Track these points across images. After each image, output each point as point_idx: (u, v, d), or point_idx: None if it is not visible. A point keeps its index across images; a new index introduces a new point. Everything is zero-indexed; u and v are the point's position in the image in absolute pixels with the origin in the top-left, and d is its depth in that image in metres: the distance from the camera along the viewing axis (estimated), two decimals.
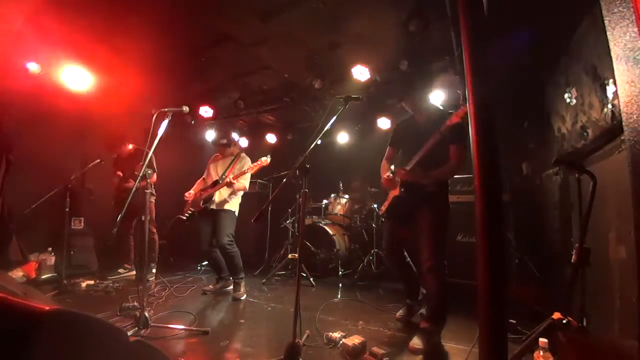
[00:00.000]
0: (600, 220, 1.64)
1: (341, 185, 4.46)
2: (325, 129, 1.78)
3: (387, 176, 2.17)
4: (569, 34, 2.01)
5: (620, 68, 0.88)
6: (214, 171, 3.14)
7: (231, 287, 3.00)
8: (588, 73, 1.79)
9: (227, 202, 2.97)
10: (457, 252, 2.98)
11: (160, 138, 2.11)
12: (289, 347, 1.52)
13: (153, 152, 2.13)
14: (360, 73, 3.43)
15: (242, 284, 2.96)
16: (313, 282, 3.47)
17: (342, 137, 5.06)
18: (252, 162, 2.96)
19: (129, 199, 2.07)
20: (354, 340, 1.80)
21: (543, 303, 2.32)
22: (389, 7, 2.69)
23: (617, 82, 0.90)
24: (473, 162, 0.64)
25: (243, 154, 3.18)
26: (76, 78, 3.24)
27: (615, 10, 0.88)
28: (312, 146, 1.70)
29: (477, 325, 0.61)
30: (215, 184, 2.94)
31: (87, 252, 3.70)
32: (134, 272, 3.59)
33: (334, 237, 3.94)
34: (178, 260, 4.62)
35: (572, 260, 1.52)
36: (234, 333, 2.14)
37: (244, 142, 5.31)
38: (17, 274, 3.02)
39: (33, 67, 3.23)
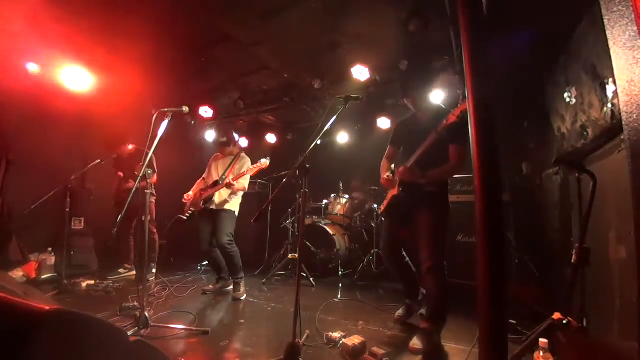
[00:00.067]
0: (600, 220, 1.64)
1: (341, 185, 4.46)
2: (325, 129, 1.78)
3: (387, 176, 2.16)
4: (568, 33, 2.01)
5: (619, 67, 0.88)
6: (215, 171, 3.14)
7: (231, 287, 3.00)
8: (588, 72, 1.79)
9: (228, 202, 2.97)
10: (457, 252, 2.98)
11: (161, 138, 2.11)
12: (289, 347, 1.52)
13: (153, 153, 2.13)
14: (360, 73, 3.43)
15: (242, 284, 2.96)
16: (313, 282, 3.47)
17: (342, 137, 5.06)
18: (252, 162, 2.96)
19: (129, 199, 2.07)
20: (354, 340, 1.80)
21: (543, 303, 2.32)
22: (389, 7, 2.69)
23: (617, 82, 0.90)
24: (473, 162, 0.64)
25: (243, 154, 3.18)
26: (76, 78, 3.24)
27: (615, 9, 0.88)
28: (312, 146, 1.70)
29: (477, 325, 0.61)
30: (216, 184, 2.94)
31: (87, 252, 3.70)
32: (134, 272, 3.59)
33: (334, 237, 3.94)
34: (178, 260, 4.62)
35: (572, 260, 1.52)
36: (234, 333, 2.14)
37: (244, 142, 5.31)
38: (17, 274, 3.02)
39: (33, 67, 3.23)
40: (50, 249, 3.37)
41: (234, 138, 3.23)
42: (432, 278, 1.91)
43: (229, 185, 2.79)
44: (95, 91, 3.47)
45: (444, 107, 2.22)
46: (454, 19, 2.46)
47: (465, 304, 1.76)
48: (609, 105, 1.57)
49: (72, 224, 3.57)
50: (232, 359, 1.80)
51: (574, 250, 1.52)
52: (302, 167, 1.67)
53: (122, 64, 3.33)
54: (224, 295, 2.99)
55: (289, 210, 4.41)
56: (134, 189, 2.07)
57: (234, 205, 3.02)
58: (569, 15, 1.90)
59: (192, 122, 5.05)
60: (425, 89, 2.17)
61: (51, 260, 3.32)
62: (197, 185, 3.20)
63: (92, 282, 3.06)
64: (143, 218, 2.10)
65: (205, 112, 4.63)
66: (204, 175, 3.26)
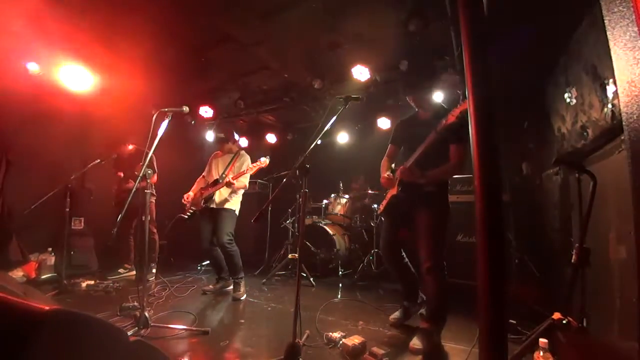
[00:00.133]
0: (600, 220, 1.64)
1: (341, 185, 4.46)
2: (325, 129, 1.78)
3: (387, 175, 2.16)
4: (568, 33, 2.01)
5: (620, 68, 0.88)
6: (215, 169, 3.14)
7: (231, 287, 3.00)
8: (588, 73, 1.79)
9: (228, 200, 2.97)
10: (457, 252, 2.98)
11: (161, 138, 2.11)
12: (289, 347, 1.52)
13: (153, 153, 2.13)
14: (360, 73, 3.43)
15: (242, 283, 2.96)
16: (313, 282, 3.47)
17: (342, 137, 5.06)
18: (252, 161, 2.96)
19: (129, 199, 2.07)
20: (354, 340, 1.80)
21: (543, 303, 2.32)
22: (389, 7, 2.69)
23: (617, 82, 0.90)
24: (473, 162, 0.64)
25: (242, 152, 3.18)
26: (76, 78, 3.24)
27: (615, 9, 0.88)
28: (312, 146, 1.70)
29: (477, 325, 0.61)
30: (216, 183, 2.94)
31: (87, 252, 3.70)
32: (134, 272, 3.59)
33: (334, 237, 3.94)
34: (178, 260, 4.62)
35: (572, 260, 1.52)
36: (234, 333, 2.14)
37: (243, 142, 5.31)
38: (17, 274, 3.02)
39: (33, 67, 3.23)
40: (50, 249, 3.37)
41: (233, 134, 3.22)
42: (432, 278, 1.91)
43: (229, 184, 2.79)
44: (95, 91, 3.47)
45: (445, 106, 2.20)
46: (454, 19, 2.46)
47: (465, 304, 1.76)
48: (609, 105, 1.57)
49: (72, 224, 3.57)
50: (232, 359, 1.80)
51: (574, 250, 1.52)
52: (302, 167, 1.67)
53: (122, 64, 3.33)
54: (224, 295, 2.99)
55: (289, 210, 4.41)
56: (134, 189, 2.08)
57: (235, 204, 3.02)
58: (569, 15, 1.90)
59: (192, 122, 5.05)
60: (427, 86, 2.13)
61: (51, 260, 3.32)
62: (197, 184, 3.20)
63: (92, 282, 3.06)
64: (143, 218, 2.10)
65: (205, 112, 4.63)
66: (204, 173, 3.26)
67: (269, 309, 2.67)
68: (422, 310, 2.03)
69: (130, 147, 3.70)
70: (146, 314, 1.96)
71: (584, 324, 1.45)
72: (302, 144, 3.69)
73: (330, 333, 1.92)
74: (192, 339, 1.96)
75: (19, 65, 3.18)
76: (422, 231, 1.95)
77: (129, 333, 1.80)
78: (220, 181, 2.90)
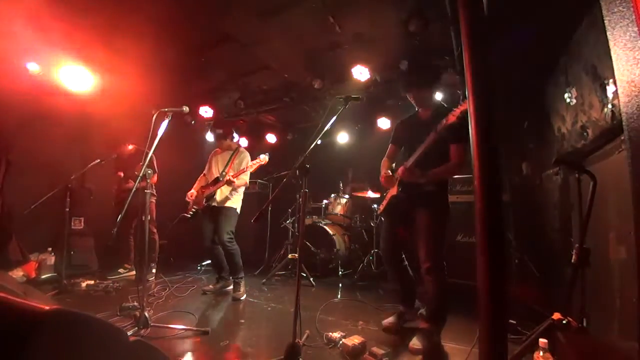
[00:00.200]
0: (600, 220, 1.64)
1: (341, 185, 4.46)
2: (325, 129, 1.78)
3: (386, 173, 2.15)
4: (569, 33, 2.01)
5: (620, 68, 0.88)
6: (215, 167, 3.14)
7: (231, 287, 3.00)
8: (588, 73, 1.79)
9: (229, 199, 2.98)
10: (457, 252, 2.98)
11: (161, 138, 2.11)
12: (289, 347, 1.52)
13: (153, 153, 2.13)
14: (360, 73, 3.43)
15: (242, 283, 2.97)
16: (313, 282, 3.47)
17: (342, 137, 5.06)
18: (252, 159, 2.95)
19: (129, 199, 2.07)
20: (354, 340, 1.80)
21: (543, 303, 2.32)
22: (389, 7, 2.69)
23: (617, 82, 0.90)
24: (473, 162, 0.64)
25: (242, 148, 3.18)
26: (76, 78, 3.24)
27: (615, 10, 0.88)
28: (312, 146, 1.70)
29: (477, 325, 0.61)
30: (217, 181, 2.94)
31: (87, 252, 3.70)
32: (134, 272, 3.59)
33: (334, 237, 3.94)
34: (178, 260, 4.62)
35: (572, 261, 1.52)
36: (234, 333, 2.14)
37: (243, 142, 5.31)
38: (17, 273, 3.02)
39: (33, 67, 3.23)
40: (50, 248, 3.37)
41: (231, 130, 3.21)
42: (432, 278, 1.90)
43: (229, 182, 2.80)
44: (95, 91, 3.47)
45: (445, 105, 2.18)
46: (454, 19, 2.46)
47: (465, 304, 1.76)
48: (609, 106, 1.57)
49: (72, 223, 3.57)
50: (232, 359, 1.80)
51: (574, 251, 1.52)
52: (302, 167, 1.67)
53: (122, 64, 3.33)
54: (224, 295, 2.99)
55: (289, 210, 4.41)
56: (134, 189, 2.08)
57: (236, 202, 3.02)
58: (569, 16, 1.90)
59: (192, 122, 5.05)
60: (427, 83, 2.09)
61: (51, 260, 3.32)
62: (199, 182, 3.21)
63: (92, 282, 3.06)
64: (143, 218, 2.10)
65: (205, 112, 4.63)
66: (204, 172, 3.26)
67: (269, 309, 2.67)
68: (422, 310, 2.02)
69: (130, 147, 3.70)
70: (146, 314, 1.96)
71: (584, 324, 1.45)
72: (302, 144, 3.69)
73: (330, 333, 1.92)
74: (192, 339, 1.96)
75: (19, 65, 3.18)
76: (422, 231, 1.95)
77: (129, 333, 1.80)
78: (221, 179, 2.90)
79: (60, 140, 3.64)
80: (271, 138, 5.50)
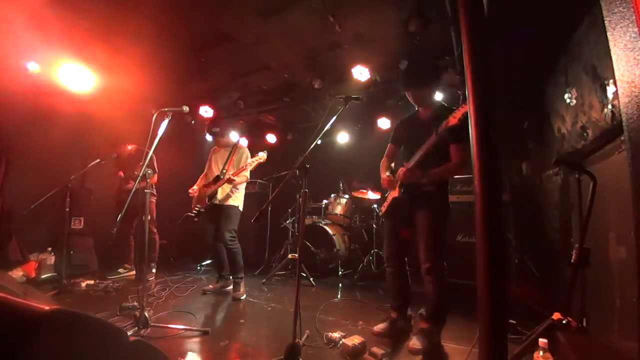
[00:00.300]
0: (600, 220, 1.64)
1: (341, 185, 4.46)
2: (325, 129, 1.78)
3: (387, 176, 2.15)
4: (569, 34, 2.01)
5: (620, 68, 0.88)
6: (215, 165, 3.14)
7: (231, 287, 3.00)
8: (588, 73, 1.79)
9: (230, 197, 2.98)
10: (457, 252, 2.98)
11: (161, 138, 2.11)
12: (289, 347, 1.52)
13: (153, 153, 2.13)
14: (360, 73, 3.43)
15: (242, 283, 2.97)
16: (313, 282, 3.47)
17: (342, 137, 5.06)
18: (251, 156, 2.95)
19: (129, 199, 2.07)
20: (354, 340, 1.80)
21: (543, 303, 2.32)
22: (389, 7, 2.69)
23: (617, 83, 0.90)
24: (473, 162, 0.64)
25: (240, 144, 3.17)
26: (76, 78, 3.24)
27: (616, 10, 0.88)
28: (312, 146, 1.70)
29: (477, 325, 0.61)
30: (217, 180, 2.94)
31: (87, 252, 3.70)
32: (134, 272, 3.59)
33: (334, 237, 3.94)
34: (178, 260, 4.62)
35: (572, 261, 1.52)
36: (234, 333, 2.14)
37: (244, 142, 5.31)
38: (17, 273, 3.02)
39: (33, 66, 3.23)
40: (50, 248, 3.37)
41: (227, 127, 3.20)
42: (432, 278, 1.90)
43: (230, 181, 2.80)
44: (95, 91, 3.48)
45: (445, 104, 2.17)
46: (454, 19, 2.46)
47: (465, 304, 1.76)
48: (609, 106, 1.57)
49: (72, 223, 3.57)
50: (232, 359, 1.80)
51: (574, 250, 1.52)
52: (302, 167, 1.67)
53: (122, 64, 3.33)
54: (224, 295, 2.99)
55: (289, 210, 4.41)
56: (134, 189, 2.08)
57: (237, 200, 3.02)
58: (569, 16, 1.90)
59: (192, 122, 5.05)
60: (426, 81, 2.06)
61: (51, 260, 3.32)
62: (200, 181, 3.21)
63: (92, 281, 3.06)
64: (143, 218, 2.10)
65: (205, 112, 4.64)
66: (205, 170, 3.26)
67: (269, 309, 2.67)
68: (422, 310, 2.02)
69: (130, 147, 3.70)
70: (146, 314, 1.96)
71: (584, 324, 1.46)
72: (302, 144, 3.69)
73: (330, 333, 1.92)
74: (192, 339, 1.96)
75: (19, 65, 3.18)
76: (422, 231, 1.94)
77: (129, 333, 1.79)
78: (222, 177, 2.90)
79: (60, 140, 3.64)
80: (271, 138, 5.50)
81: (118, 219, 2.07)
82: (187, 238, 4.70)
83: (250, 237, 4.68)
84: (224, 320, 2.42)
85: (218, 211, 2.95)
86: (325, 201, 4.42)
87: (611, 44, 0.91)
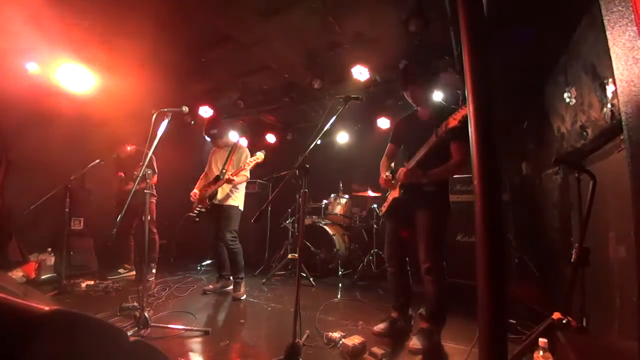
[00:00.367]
0: (600, 220, 1.64)
1: (341, 185, 4.46)
2: (325, 129, 1.78)
3: (387, 176, 2.14)
4: (568, 33, 2.01)
5: (619, 67, 0.88)
6: (215, 165, 3.14)
7: (231, 287, 3.00)
8: (587, 72, 1.79)
9: (230, 196, 2.98)
10: (457, 252, 2.98)
11: (161, 138, 2.11)
12: (289, 347, 1.52)
13: (153, 153, 2.13)
14: (360, 73, 3.43)
15: (242, 283, 2.97)
16: (313, 282, 3.47)
17: (342, 137, 5.06)
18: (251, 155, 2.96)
19: (129, 199, 2.07)
20: (354, 340, 1.80)
21: (543, 303, 2.32)
22: (389, 7, 2.69)
23: (617, 82, 0.90)
24: (473, 162, 0.64)
25: (239, 144, 3.17)
26: (76, 78, 3.24)
27: (615, 9, 0.88)
28: (312, 146, 1.70)
29: (477, 325, 0.61)
30: (217, 180, 2.94)
31: (87, 253, 3.70)
32: (134, 272, 3.59)
33: (334, 237, 3.94)
34: (178, 260, 4.62)
35: (572, 260, 1.52)
36: (234, 333, 2.14)
37: (243, 142, 5.31)
38: (17, 274, 3.02)
39: (32, 67, 3.23)
40: (49, 249, 3.37)
41: (225, 127, 3.18)
42: (432, 278, 1.90)
43: (229, 181, 2.80)
44: (95, 91, 3.48)
45: (444, 104, 2.16)
46: (454, 19, 2.46)
47: (465, 304, 1.76)
48: (609, 105, 1.57)
49: (72, 224, 3.57)
50: (232, 359, 1.80)
51: (574, 250, 1.52)
52: (302, 167, 1.67)
53: (122, 64, 3.33)
54: (224, 295, 2.99)
55: (289, 210, 4.41)
56: (134, 190, 2.08)
57: (238, 200, 3.02)
58: (568, 15, 1.90)
59: (192, 122, 5.05)
60: (425, 82, 2.05)
61: (51, 260, 3.32)
62: (200, 181, 3.22)
63: (92, 282, 3.06)
64: (143, 218, 2.10)
65: (205, 112, 4.64)
66: (205, 170, 3.26)
67: (269, 309, 2.67)
68: (422, 310, 2.02)
69: (130, 147, 3.70)
70: (146, 314, 1.96)
71: (584, 323, 1.46)
72: (302, 144, 3.68)
73: (330, 333, 1.92)
74: (192, 339, 1.96)
75: (19, 65, 3.18)
76: (422, 231, 1.94)
77: (129, 333, 1.79)
78: (221, 177, 2.90)
79: (60, 140, 3.64)
80: (271, 138, 5.50)
81: (118, 219, 2.07)
82: (187, 238, 4.70)
83: (250, 237, 4.68)
84: (224, 320, 2.41)
85: (218, 211, 2.95)
86: (325, 201, 4.42)
87: (610, 43, 0.91)
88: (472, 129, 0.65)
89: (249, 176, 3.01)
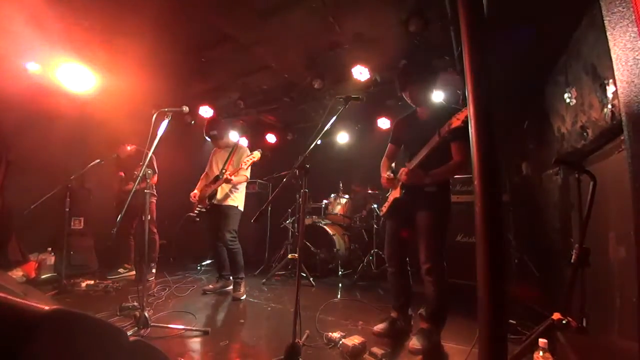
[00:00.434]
0: (600, 220, 1.64)
1: (341, 185, 4.46)
2: (325, 129, 1.78)
3: (388, 175, 2.14)
4: (568, 33, 2.01)
5: (620, 68, 0.88)
6: (215, 166, 3.15)
7: (231, 287, 3.00)
8: (588, 73, 1.79)
9: (229, 196, 2.98)
10: (457, 252, 2.98)
11: (161, 138, 2.11)
12: (289, 347, 1.52)
13: (153, 153, 2.13)
14: (360, 73, 3.43)
15: (242, 283, 2.97)
16: (313, 282, 3.47)
17: (342, 137, 5.06)
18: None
19: (129, 199, 2.07)
20: (354, 340, 1.80)
21: (543, 303, 2.32)
22: (389, 7, 2.69)
23: (617, 82, 0.90)
24: (473, 162, 0.64)
25: (240, 144, 3.17)
26: (76, 78, 3.24)
27: (615, 10, 0.88)
28: (312, 146, 1.70)
29: (477, 325, 0.61)
30: (217, 179, 2.95)
31: (87, 252, 3.70)
32: (134, 272, 3.59)
33: (334, 237, 3.94)
34: (178, 260, 4.62)
35: (572, 260, 1.52)
36: (234, 333, 2.14)
37: (244, 142, 5.31)
38: (17, 273, 3.02)
39: (33, 67, 3.23)
40: (49, 248, 3.37)
41: (225, 128, 3.18)
42: (432, 279, 1.90)
43: (227, 181, 2.80)
44: (95, 91, 3.47)
45: (444, 104, 2.16)
46: (454, 19, 2.46)
47: (465, 304, 1.76)
48: (609, 106, 1.57)
49: (72, 223, 3.57)
50: (232, 359, 1.80)
51: (574, 250, 1.52)
52: (302, 167, 1.67)
53: (122, 64, 3.33)
54: (224, 295, 2.99)
55: (289, 210, 4.41)
56: (134, 190, 2.08)
57: (237, 200, 3.02)
58: (569, 15, 1.90)
59: (192, 122, 5.05)
60: (424, 82, 2.04)
61: (51, 260, 3.32)
62: (201, 182, 3.22)
63: (92, 282, 3.06)
64: (143, 218, 2.10)
65: (205, 112, 4.64)
66: (206, 170, 3.26)
67: (269, 309, 2.67)
68: (422, 311, 2.02)
69: (130, 147, 3.70)
70: (146, 313, 1.96)
71: (584, 324, 1.46)
72: (302, 144, 3.69)
73: (330, 333, 1.92)
74: (192, 339, 1.96)
75: (19, 65, 3.18)
76: (423, 232, 1.94)
77: (129, 333, 1.80)
78: (221, 177, 2.90)
79: (60, 140, 3.64)
80: (271, 138, 5.50)
81: (118, 219, 2.07)
82: (187, 238, 4.70)
83: (250, 237, 4.69)
84: (224, 320, 2.41)
85: (218, 211, 2.95)
86: (325, 201, 4.42)
87: (611, 44, 0.91)
88: (473, 129, 0.65)
89: (248, 177, 3.01)
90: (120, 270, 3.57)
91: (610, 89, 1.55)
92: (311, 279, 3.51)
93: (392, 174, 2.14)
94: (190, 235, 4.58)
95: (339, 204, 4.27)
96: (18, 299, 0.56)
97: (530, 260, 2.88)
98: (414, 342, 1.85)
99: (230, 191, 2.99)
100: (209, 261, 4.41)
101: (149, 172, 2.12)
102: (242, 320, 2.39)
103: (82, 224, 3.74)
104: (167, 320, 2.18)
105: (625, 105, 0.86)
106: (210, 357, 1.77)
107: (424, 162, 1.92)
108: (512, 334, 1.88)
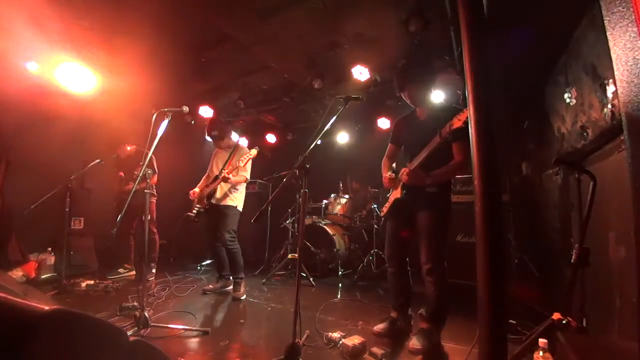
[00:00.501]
0: (600, 220, 1.64)
1: (341, 185, 4.46)
2: (325, 129, 1.78)
3: (389, 175, 2.14)
4: (568, 33, 2.01)
5: (620, 68, 0.88)
6: (216, 166, 3.15)
7: (231, 287, 3.00)
8: (588, 73, 1.79)
9: (228, 196, 2.98)
10: (457, 252, 2.98)
11: (161, 138, 2.11)
12: (289, 347, 1.52)
13: (153, 153, 2.13)
14: (360, 73, 3.43)
15: (242, 283, 2.97)
16: (313, 282, 3.47)
17: (342, 137, 5.07)
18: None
19: (129, 199, 2.07)
20: (354, 340, 1.80)
21: (543, 303, 2.32)
22: (389, 7, 2.69)
23: (617, 82, 0.90)
24: (473, 163, 0.64)
25: (240, 145, 3.18)
26: (76, 78, 3.24)
27: (615, 10, 0.88)
28: (312, 146, 1.70)
29: (477, 325, 0.61)
30: (216, 179, 2.95)
31: (87, 252, 3.70)
32: (134, 272, 3.59)
33: (334, 237, 3.94)
34: (178, 260, 4.62)
35: (572, 260, 1.52)
36: (234, 333, 2.14)
37: (243, 142, 5.31)
38: (17, 273, 3.02)
39: (32, 67, 3.23)
40: (49, 248, 3.37)
41: (227, 129, 3.19)
42: (433, 279, 1.90)
43: (225, 179, 2.80)
44: (95, 91, 3.47)
45: (444, 103, 2.15)
46: (454, 19, 2.46)
47: (465, 304, 1.76)
48: (609, 106, 1.57)
49: (72, 223, 3.57)
50: (232, 359, 1.80)
51: (574, 250, 1.52)
52: (302, 167, 1.67)
53: (122, 64, 3.33)
54: (224, 295, 2.99)
55: (289, 210, 4.41)
56: (133, 190, 2.08)
57: (236, 200, 3.02)
58: (569, 15, 1.90)
59: (192, 122, 5.05)
60: (422, 82, 2.04)
61: (51, 260, 3.32)
62: (202, 182, 3.22)
63: (92, 282, 3.06)
64: (143, 218, 2.10)
65: (205, 112, 4.64)
66: (207, 171, 3.26)
67: (269, 309, 2.67)
68: (422, 311, 2.02)
69: (130, 147, 3.70)
70: (146, 314, 1.96)
71: (584, 324, 1.46)
72: (302, 144, 3.68)
73: (330, 333, 1.92)
74: (192, 339, 1.96)
75: (19, 65, 3.18)
76: (424, 232, 1.94)
77: (129, 333, 1.80)
78: (219, 176, 2.90)
79: (60, 140, 3.64)
80: (271, 138, 5.50)
81: (118, 219, 2.07)
82: (187, 238, 4.70)
83: (250, 237, 4.69)
84: (224, 320, 2.41)
85: (217, 211, 2.95)
86: (325, 201, 4.42)
87: (611, 44, 0.91)
88: (473, 129, 0.65)
89: (248, 177, 3.01)
90: (120, 270, 3.57)
91: (610, 89, 1.55)
92: (311, 279, 3.51)
93: (393, 174, 2.14)
94: (190, 235, 4.58)
95: (339, 204, 4.27)
96: (18, 299, 0.56)
97: (530, 260, 2.88)
98: (414, 342, 1.85)
99: (230, 191, 2.98)
100: (209, 261, 4.41)
101: (149, 172, 2.12)
102: (242, 320, 2.39)
103: (82, 224, 3.74)
104: (167, 320, 2.18)
105: (625, 105, 0.86)
106: (210, 357, 1.77)
107: (425, 163, 1.92)
108: (512, 334, 1.88)
